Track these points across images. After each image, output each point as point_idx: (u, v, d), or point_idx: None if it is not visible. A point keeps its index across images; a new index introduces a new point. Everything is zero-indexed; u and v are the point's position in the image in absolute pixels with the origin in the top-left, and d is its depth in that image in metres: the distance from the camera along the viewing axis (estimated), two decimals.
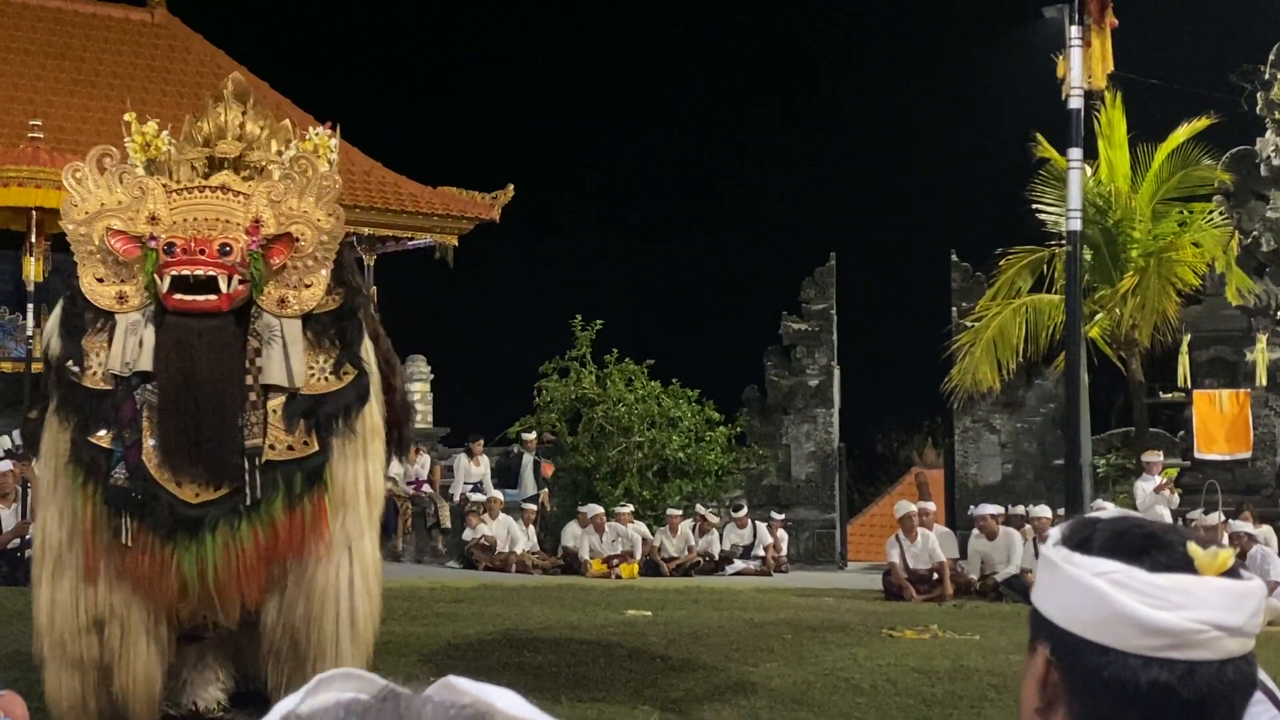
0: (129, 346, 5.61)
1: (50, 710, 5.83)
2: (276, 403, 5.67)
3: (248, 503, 5.58)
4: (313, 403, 5.70)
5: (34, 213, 12.66)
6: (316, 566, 5.76)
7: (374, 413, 6.00)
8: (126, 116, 6.05)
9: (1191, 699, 1.45)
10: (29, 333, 14.20)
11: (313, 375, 5.73)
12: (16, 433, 14.23)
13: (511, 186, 22.24)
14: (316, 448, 5.70)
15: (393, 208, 21.26)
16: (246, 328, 5.67)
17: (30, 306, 13.75)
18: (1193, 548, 1.47)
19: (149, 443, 5.57)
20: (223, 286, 5.56)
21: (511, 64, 47.82)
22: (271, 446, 5.63)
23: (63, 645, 5.72)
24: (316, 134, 6.15)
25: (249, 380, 5.63)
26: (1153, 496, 16.48)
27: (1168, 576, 1.46)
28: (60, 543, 5.73)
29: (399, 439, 6.57)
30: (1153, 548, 1.49)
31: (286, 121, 6.31)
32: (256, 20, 35.59)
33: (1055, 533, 1.58)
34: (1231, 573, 1.48)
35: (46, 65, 21.68)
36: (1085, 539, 1.53)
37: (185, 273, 5.55)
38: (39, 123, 13.71)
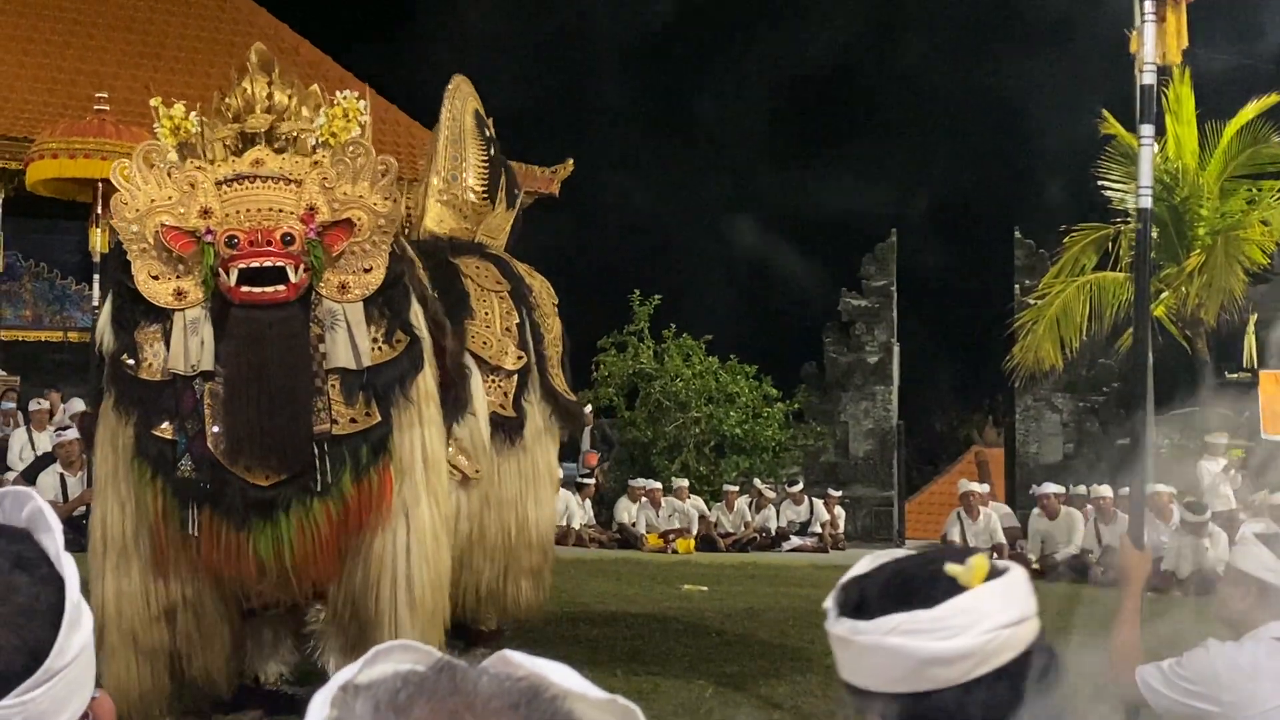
0: (191, 346, 5.56)
1: (118, 698, 5.82)
2: (336, 378, 5.64)
3: (318, 487, 5.56)
4: (370, 374, 5.67)
5: (99, 184, 12.77)
6: (373, 535, 5.75)
7: (428, 378, 5.97)
8: (152, 101, 5.88)
9: (1015, 698, 1.55)
10: (95, 303, 14.37)
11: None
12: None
13: (571, 161, 22.21)
14: (379, 418, 5.68)
15: None
16: (309, 315, 5.62)
17: (96, 277, 13.90)
18: (951, 568, 1.56)
19: (212, 430, 5.52)
20: (291, 276, 5.51)
21: (570, 36, 47.78)
22: (335, 422, 5.60)
23: (133, 635, 5.70)
24: (344, 97, 6.00)
25: (314, 367, 5.59)
26: (1218, 478, 16.30)
27: (944, 606, 1.54)
28: (124, 535, 5.70)
29: (455, 400, 6.51)
30: (919, 584, 1.57)
31: (315, 87, 6.09)
32: None
33: (831, 605, 1.64)
34: (992, 573, 1.58)
35: (112, 38, 21.92)
36: (859, 603, 1.61)
37: (255, 265, 5.49)
38: (105, 95, 13.83)
